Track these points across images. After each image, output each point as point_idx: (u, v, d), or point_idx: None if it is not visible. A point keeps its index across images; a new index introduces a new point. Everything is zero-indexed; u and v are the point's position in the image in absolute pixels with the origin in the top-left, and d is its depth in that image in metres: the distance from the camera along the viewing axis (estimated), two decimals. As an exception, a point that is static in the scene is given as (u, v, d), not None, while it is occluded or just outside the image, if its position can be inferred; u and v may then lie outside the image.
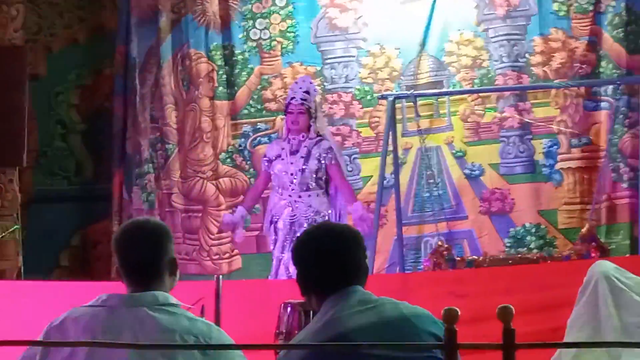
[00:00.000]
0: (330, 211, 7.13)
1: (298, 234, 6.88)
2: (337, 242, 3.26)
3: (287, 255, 6.94)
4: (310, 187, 7.08)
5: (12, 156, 8.59)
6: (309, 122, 7.09)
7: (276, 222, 7.20)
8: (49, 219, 9.15)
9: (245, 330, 5.39)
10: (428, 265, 7.88)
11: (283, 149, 7.16)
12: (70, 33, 9.36)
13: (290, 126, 7.14)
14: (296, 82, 7.44)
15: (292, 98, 7.13)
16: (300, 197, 7.07)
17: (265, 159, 7.40)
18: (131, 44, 9.10)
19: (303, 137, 7.10)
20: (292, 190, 7.07)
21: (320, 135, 7.17)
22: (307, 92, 7.12)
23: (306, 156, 7.05)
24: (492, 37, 8.55)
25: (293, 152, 7.10)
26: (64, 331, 3.19)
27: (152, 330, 3.15)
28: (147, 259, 3.31)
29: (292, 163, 7.07)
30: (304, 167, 7.05)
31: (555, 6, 8.47)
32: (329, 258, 3.22)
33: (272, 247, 7.35)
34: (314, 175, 7.08)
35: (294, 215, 7.05)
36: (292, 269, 6.90)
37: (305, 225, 6.97)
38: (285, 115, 7.29)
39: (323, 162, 7.08)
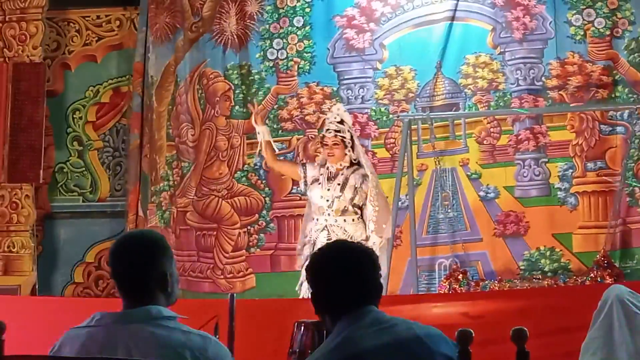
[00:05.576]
0: (364, 237, 6.88)
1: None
2: (351, 261, 3.23)
3: None
4: (346, 212, 6.93)
5: (28, 172, 8.64)
6: (344, 152, 6.90)
7: (304, 245, 7.00)
8: (64, 235, 9.19)
9: (259, 349, 5.40)
10: (443, 289, 7.86)
11: (322, 174, 6.97)
12: (88, 50, 9.42)
13: (326, 157, 6.96)
14: (331, 111, 7.15)
15: (327, 130, 6.94)
16: (336, 221, 6.90)
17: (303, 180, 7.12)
18: (148, 62, 9.15)
19: (341, 165, 6.93)
20: (329, 215, 6.91)
21: (356, 163, 6.97)
22: (341, 123, 6.91)
23: (342, 184, 6.89)
24: (508, 60, 8.56)
25: (330, 178, 6.94)
26: (62, 355, 3.13)
27: (146, 346, 3.07)
28: (133, 273, 3.19)
29: (329, 189, 6.91)
30: (340, 194, 6.89)
31: (572, 30, 8.48)
32: (343, 277, 3.20)
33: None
34: (351, 202, 6.96)
35: (330, 239, 6.82)
36: None
37: None
38: (321, 147, 7.05)
39: (359, 190, 6.90)
